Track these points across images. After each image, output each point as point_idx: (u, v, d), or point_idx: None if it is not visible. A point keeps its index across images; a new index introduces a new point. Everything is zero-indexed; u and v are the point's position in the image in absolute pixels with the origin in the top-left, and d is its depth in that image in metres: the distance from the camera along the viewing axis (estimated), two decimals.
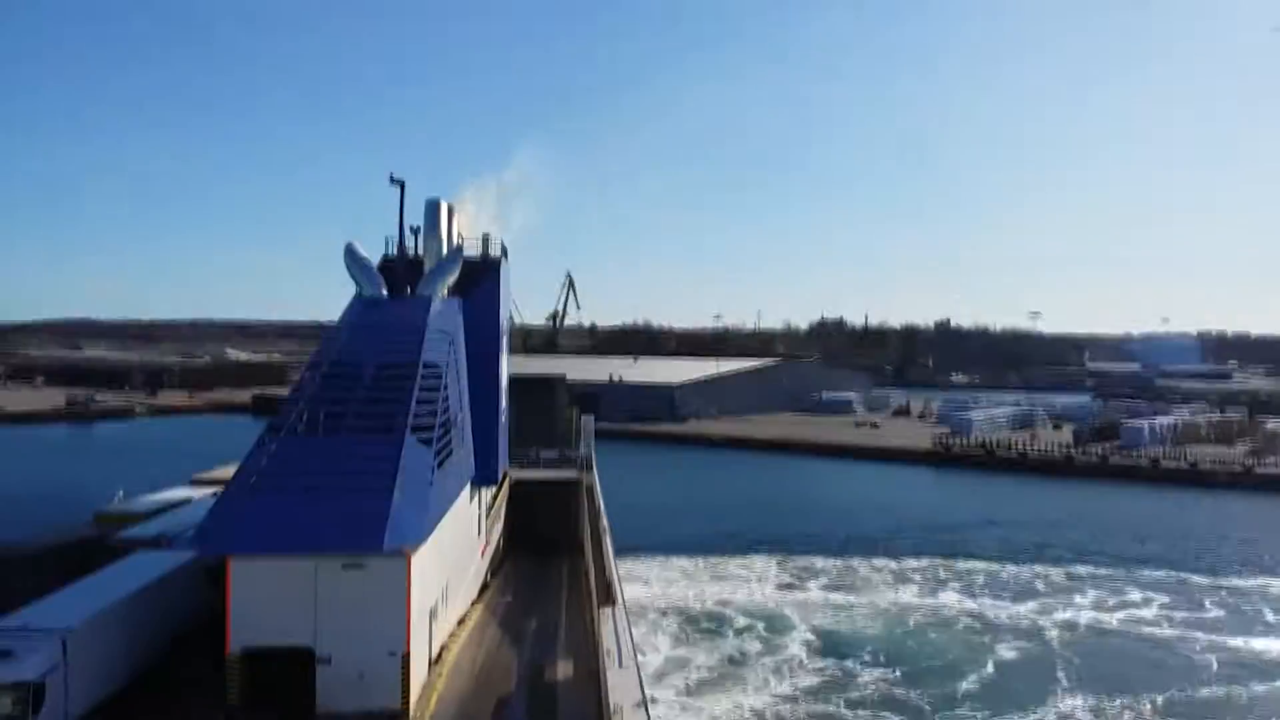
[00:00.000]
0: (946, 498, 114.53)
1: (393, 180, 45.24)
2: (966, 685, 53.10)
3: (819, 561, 79.57)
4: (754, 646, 58.64)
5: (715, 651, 57.79)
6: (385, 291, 41.06)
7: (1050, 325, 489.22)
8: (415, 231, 46.69)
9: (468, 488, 40.80)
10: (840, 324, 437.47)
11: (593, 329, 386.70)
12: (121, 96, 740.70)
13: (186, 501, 46.41)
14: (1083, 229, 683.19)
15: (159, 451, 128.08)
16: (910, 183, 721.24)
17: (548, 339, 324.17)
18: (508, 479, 55.72)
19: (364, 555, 28.34)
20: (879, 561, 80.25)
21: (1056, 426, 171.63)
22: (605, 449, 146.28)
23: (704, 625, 62.38)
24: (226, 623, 28.16)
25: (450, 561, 36.42)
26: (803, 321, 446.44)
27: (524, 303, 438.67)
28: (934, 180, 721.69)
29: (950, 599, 69.82)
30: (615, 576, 39.72)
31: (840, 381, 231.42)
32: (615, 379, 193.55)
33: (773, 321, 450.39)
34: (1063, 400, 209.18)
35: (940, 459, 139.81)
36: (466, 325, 43.62)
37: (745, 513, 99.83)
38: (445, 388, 35.78)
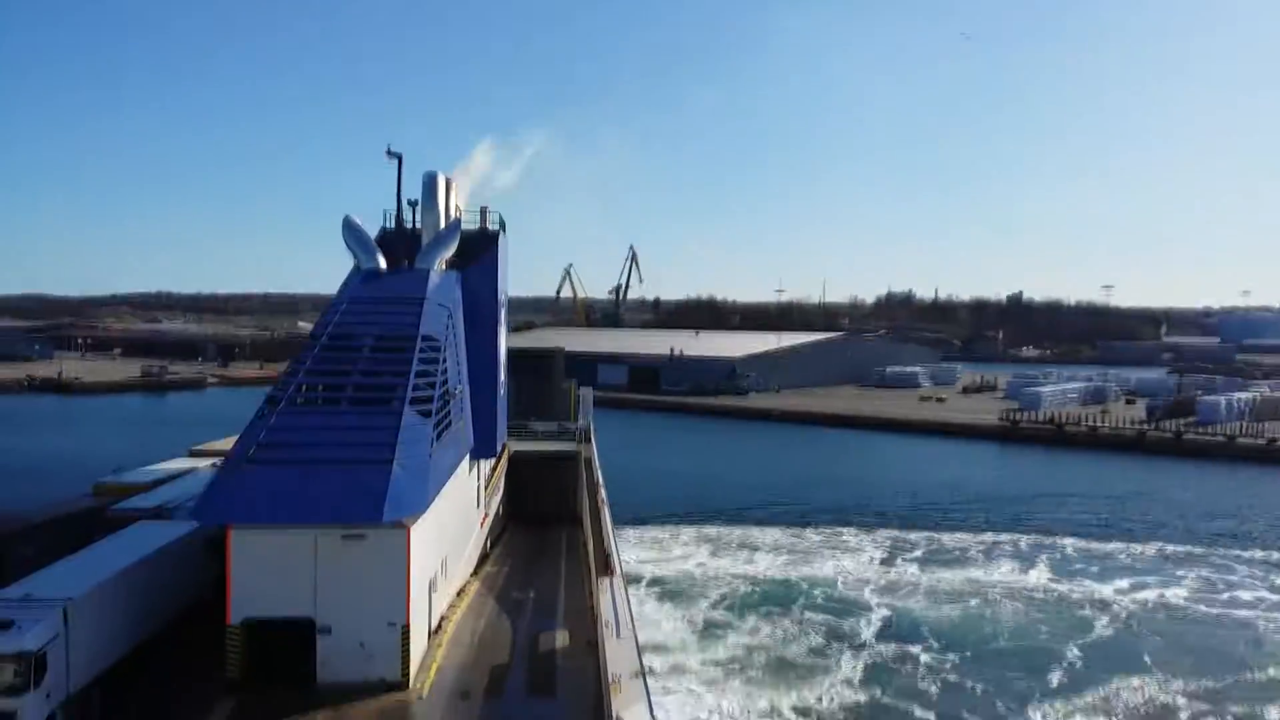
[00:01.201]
0: (1011, 474, 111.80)
1: (390, 153, 45.21)
2: (1051, 663, 51.23)
3: (882, 536, 78.34)
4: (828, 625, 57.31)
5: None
6: (383, 264, 40.86)
7: (1126, 299, 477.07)
8: (413, 205, 46.37)
9: (467, 460, 40.68)
10: (908, 298, 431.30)
11: (656, 303, 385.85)
12: (200, 72, 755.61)
13: (186, 473, 46.66)
14: (1161, 200, 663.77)
15: (224, 421, 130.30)
16: (983, 154, 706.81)
17: (610, 313, 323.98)
18: (507, 451, 55.60)
19: (364, 527, 28.37)
20: (944, 537, 78.44)
21: (1130, 402, 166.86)
22: (664, 423, 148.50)
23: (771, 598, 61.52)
24: (227, 593, 28.39)
25: (449, 533, 36.40)
26: (869, 295, 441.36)
27: (587, 276, 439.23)
28: (1008, 151, 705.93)
29: (1030, 577, 67.66)
30: (614, 547, 39.67)
31: (906, 356, 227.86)
32: (676, 353, 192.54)
33: (838, 295, 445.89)
34: (1137, 375, 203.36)
35: (1007, 435, 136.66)
36: (465, 298, 43.41)
37: (806, 488, 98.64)
38: (444, 360, 35.61)
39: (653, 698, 25.34)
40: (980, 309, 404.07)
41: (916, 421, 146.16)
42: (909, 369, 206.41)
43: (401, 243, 43.91)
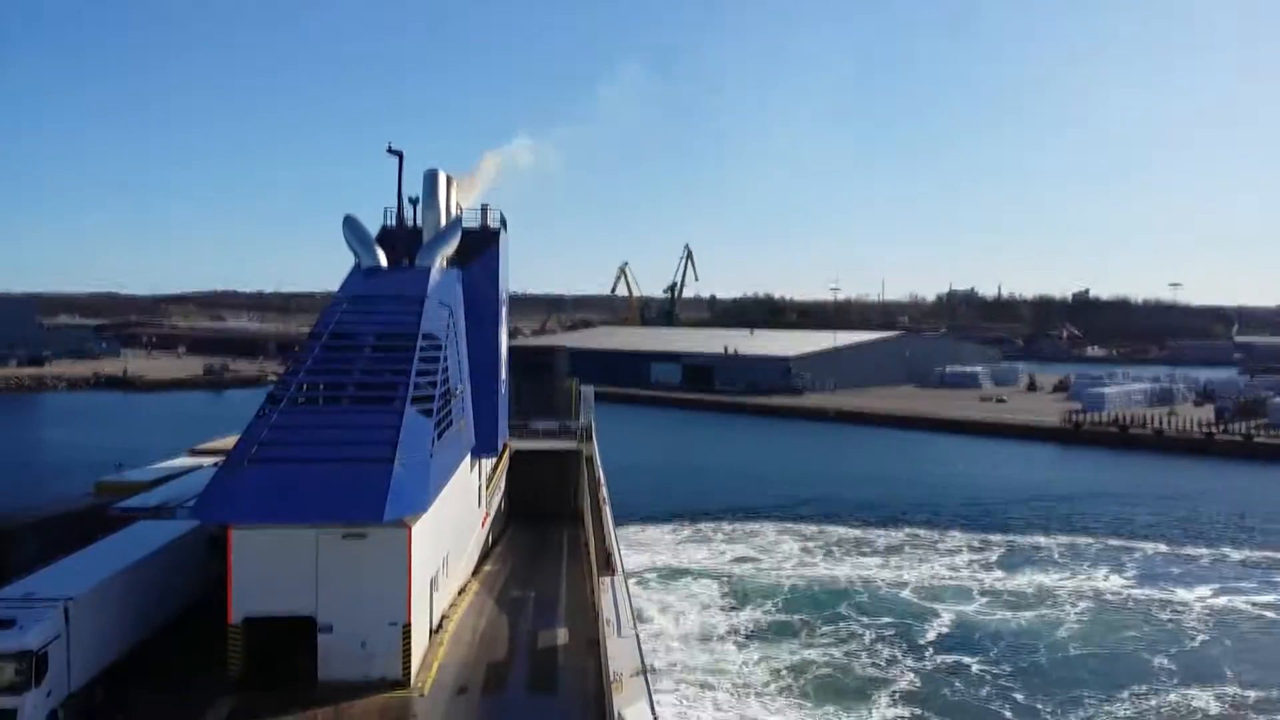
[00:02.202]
0: (1074, 477, 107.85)
1: (390, 150, 45.11)
2: (1127, 672, 49.38)
3: (941, 538, 76.71)
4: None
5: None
6: (384, 262, 40.70)
7: (1195, 296, 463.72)
8: (414, 202, 46.22)
9: (468, 458, 40.60)
10: (970, 295, 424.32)
11: (712, 301, 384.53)
12: (251, 65, 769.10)
13: (187, 471, 46.95)
14: (1232, 195, 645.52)
15: None
16: (1049, 148, 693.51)
17: (665, 311, 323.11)
18: (508, 449, 55.43)
19: (365, 525, 28.34)
20: (1004, 539, 76.33)
21: (1199, 403, 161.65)
22: (716, 422, 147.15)
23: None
24: (228, 591, 28.42)
25: (451, 532, 36.35)
26: (929, 293, 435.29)
27: (641, 274, 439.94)
28: (1074, 145, 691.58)
29: (1100, 581, 65.29)
30: (615, 546, 39.41)
31: (967, 355, 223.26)
32: (730, 351, 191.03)
33: (898, 293, 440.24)
34: (1207, 375, 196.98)
35: (1069, 437, 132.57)
36: (466, 296, 43.35)
37: (859, 489, 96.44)
38: (445, 358, 35.52)
39: (654, 696, 25.09)
40: (1044, 307, 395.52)
41: (975, 422, 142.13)
42: (969, 368, 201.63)
43: (402, 240, 43.90)
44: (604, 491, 48.70)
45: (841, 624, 55.97)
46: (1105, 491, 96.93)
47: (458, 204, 47.73)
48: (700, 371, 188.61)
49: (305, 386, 32.80)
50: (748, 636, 53.64)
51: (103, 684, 27.55)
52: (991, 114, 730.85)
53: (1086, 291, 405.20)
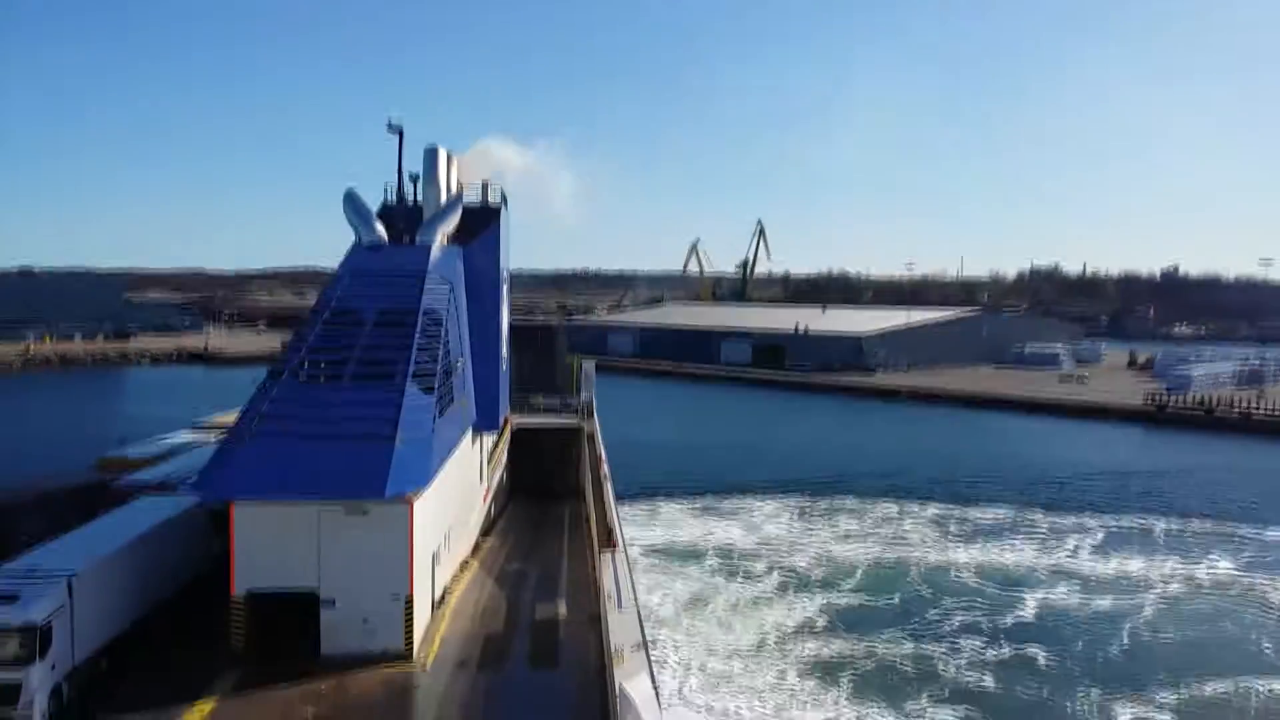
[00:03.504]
0: (1157, 459, 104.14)
1: (391, 127, 45.05)
2: (1211, 665, 47.56)
3: (1015, 521, 74.86)
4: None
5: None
6: (385, 238, 40.60)
7: None
8: (414, 179, 46.14)
9: (469, 434, 40.77)
10: (1053, 272, 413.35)
11: (785, 278, 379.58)
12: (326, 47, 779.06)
13: (189, 447, 46.94)
14: None
15: None
16: (1135, 121, 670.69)
17: (737, 289, 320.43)
18: (509, 425, 55.78)
19: (367, 501, 28.53)
20: (1074, 522, 74.57)
21: None
22: (784, 401, 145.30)
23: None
24: (230, 566, 28.63)
25: (452, 507, 36.63)
26: (1010, 269, 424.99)
27: (714, 251, 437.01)
28: (1161, 118, 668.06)
29: (1192, 567, 63.09)
30: (616, 521, 39.67)
31: (1048, 333, 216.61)
32: (801, 329, 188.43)
33: (977, 269, 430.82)
34: None
35: (1153, 418, 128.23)
36: (467, 273, 43.49)
37: (932, 468, 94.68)
38: (446, 335, 35.72)
39: (654, 669, 25.46)
40: (1130, 284, 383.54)
41: (1053, 403, 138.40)
42: (1049, 347, 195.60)
43: (402, 218, 43.74)
44: (605, 467, 49.01)
45: (918, 610, 54.92)
46: (1189, 475, 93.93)
47: (458, 181, 47.56)
48: (770, 350, 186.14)
49: (307, 363, 32.93)
50: (814, 624, 52.82)
51: (106, 657, 27.76)
52: (1072, 84, 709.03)
53: (1175, 268, 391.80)
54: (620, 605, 29.04)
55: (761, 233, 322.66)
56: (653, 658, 27.40)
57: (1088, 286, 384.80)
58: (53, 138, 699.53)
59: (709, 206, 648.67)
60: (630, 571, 32.97)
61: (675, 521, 73.76)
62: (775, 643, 49.60)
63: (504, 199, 49.15)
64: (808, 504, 79.35)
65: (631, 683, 23.82)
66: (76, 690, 26.09)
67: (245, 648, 28.60)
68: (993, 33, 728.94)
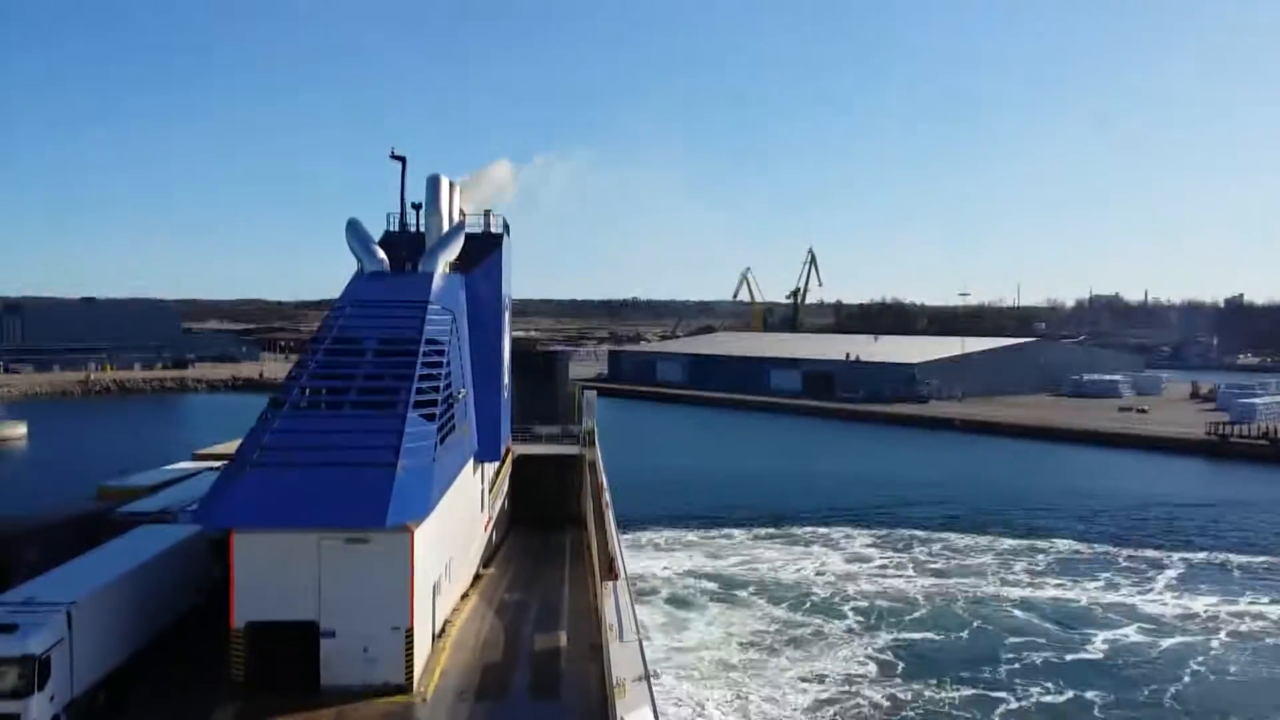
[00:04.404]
0: (1221, 494, 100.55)
1: (394, 156, 45.35)
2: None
3: (1073, 558, 73.26)
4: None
5: None
6: (387, 267, 40.67)
7: None
8: (417, 208, 46.22)
9: (470, 463, 40.73)
10: (1113, 301, 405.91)
11: (837, 306, 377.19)
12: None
13: (189, 476, 46.80)
14: None
15: None
16: (1201, 146, 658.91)
17: (788, 317, 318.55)
18: (510, 454, 55.65)
19: (368, 530, 28.39)
20: (1132, 556, 73.03)
21: None
22: (832, 431, 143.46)
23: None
24: (230, 596, 28.41)
25: (453, 536, 36.49)
26: (1069, 298, 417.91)
27: (764, 279, 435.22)
28: (1229, 143, 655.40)
29: (1261, 607, 61.15)
30: (618, 551, 39.40)
31: (1106, 363, 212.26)
32: (852, 358, 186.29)
33: (1034, 298, 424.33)
34: None
35: (1215, 450, 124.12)
36: (469, 301, 43.58)
37: (982, 501, 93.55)
38: (448, 363, 35.62)
39: (657, 701, 25.10)
40: (1193, 312, 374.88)
41: (1111, 434, 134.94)
42: (1109, 377, 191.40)
43: (405, 245, 43.82)
44: (606, 496, 48.86)
45: (978, 648, 53.79)
46: (1253, 509, 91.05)
47: (460, 209, 47.62)
48: (820, 378, 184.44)
49: (308, 391, 32.87)
50: (869, 662, 51.86)
51: (105, 689, 27.46)
52: (1134, 108, 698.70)
53: (1240, 297, 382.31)
54: (622, 636, 28.85)
55: (813, 260, 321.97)
56: (655, 690, 26.85)
57: (1149, 315, 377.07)
58: (118, 172, 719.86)
59: (760, 234, 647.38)
60: (632, 602, 32.77)
61: (727, 549, 73.64)
62: (831, 682, 48.54)
63: (506, 227, 49.35)
64: (859, 535, 78.85)
65: (633, 715, 23.56)
66: None
67: (245, 678, 28.36)
68: (1049, 55, 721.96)
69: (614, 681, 25.61)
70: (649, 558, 70.68)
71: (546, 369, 73.75)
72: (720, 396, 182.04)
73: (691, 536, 77.59)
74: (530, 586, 42.93)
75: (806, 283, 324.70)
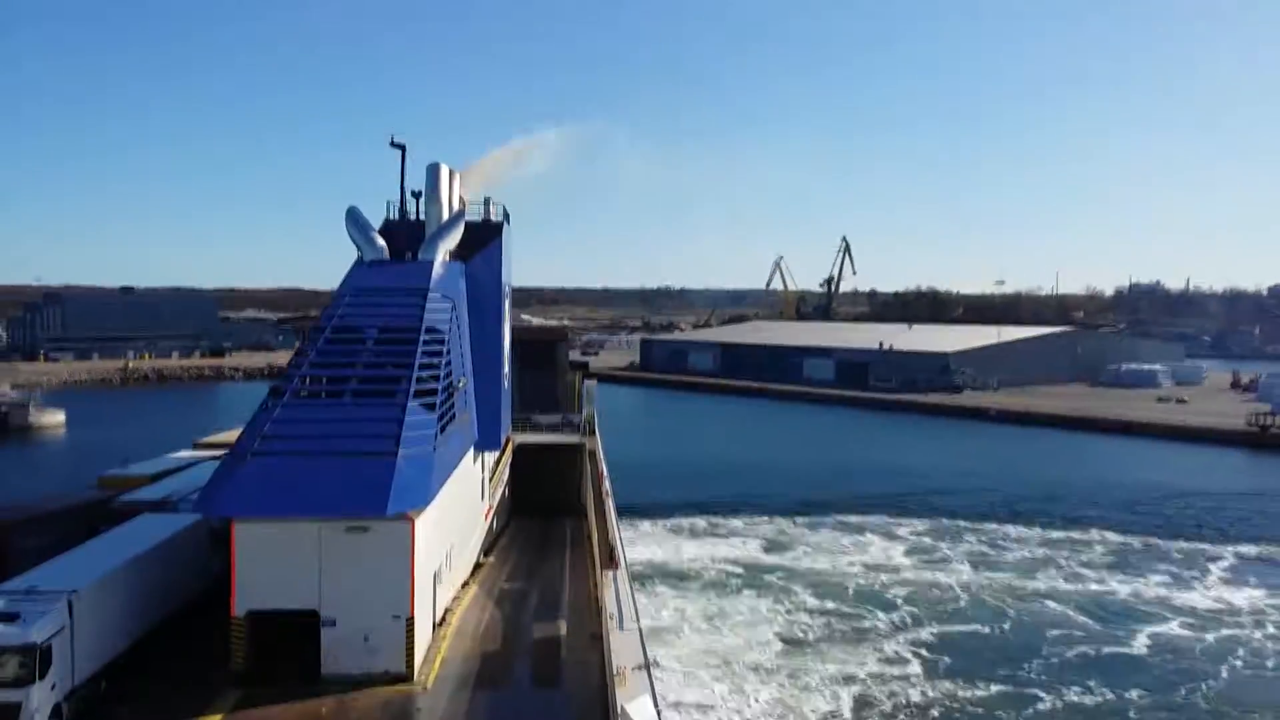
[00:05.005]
0: (1262, 485, 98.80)
1: (393, 144, 45.27)
2: None
3: (1117, 551, 71.48)
4: None
5: None
6: (386, 255, 40.59)
7: None
8: (416, 196, 46.05)
9: (471, 452, 40.71)
10: (1153, 289, 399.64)
11: (872, 295, 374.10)
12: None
13: (190, 465, 46.82)
14: None
15: None
16: (1242, 134, 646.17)
17: (822, 305, 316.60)
18: (510, 443, 55.54)
19: (368, 519, 28.39)
20: (1176, 547, 71.70)
21: None
22: (868, 420, 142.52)
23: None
24: (231, 585, 28.41)
25: (454, 525, 36.54)
26: (1108, 286, 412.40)
27: (797, 267, 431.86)
28: (1266, 129, 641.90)
29: None
30: (618, 539, 39.46)
31: (1145, 352, 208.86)
32: (886, 347, 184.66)
33: (1073, 286, 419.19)
34: None
35: (1256, 441, 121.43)
36: (468, 289, 43.46)
37: (1015, 491, 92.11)
38: (448, 352, 35.57)
39: (656, 689, 25.14)
40: (1235, 301, 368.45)
41: (1149, 424, 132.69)
42: (1147, 367, 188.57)
43: (405, 234, 43.69)
44: (607, 485, 48.75)
45: (1018, 642, 52.69)
46: None
47: (460, 197, 47.39)
48: (854, 368, 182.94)
49: (309, 380, 32.79)
50: (906, 657, 50.79)
51: (106, 678, 27.56)
52: (1174, 94, 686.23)
53: None
54: (622, 625, 28.93)
55: (846, 249, 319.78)
56: (655, 679, 27.05)
57: (1190, 304, 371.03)
58: (160, 163, 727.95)
59: (793, 222, 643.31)
60: (632, 590, 32.77)
61: (760, 539, 73.16)
62: (868, 675, 47.65)
63: (506, 215, 49.25)
64: (894, 526, 77.77)
65: (633, 704, 23.58)
66: (76, 711, 25.92)
67: (246, 667, 28.41)
68: (1093, 41, 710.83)
69: (614, 670, 25.68)
70: (682, 545, 70.42)
71: (547, 357, 73.59)
72: (752, 385, 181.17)
73: (734, 523, 77.16)
74: (530, 575, 43.07)
75: (840, 271, 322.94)
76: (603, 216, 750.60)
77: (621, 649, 26.87)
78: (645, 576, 60.56)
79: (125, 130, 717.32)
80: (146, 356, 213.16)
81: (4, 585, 27.16)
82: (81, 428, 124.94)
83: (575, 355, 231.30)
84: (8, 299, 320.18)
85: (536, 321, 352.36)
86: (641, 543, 69.80)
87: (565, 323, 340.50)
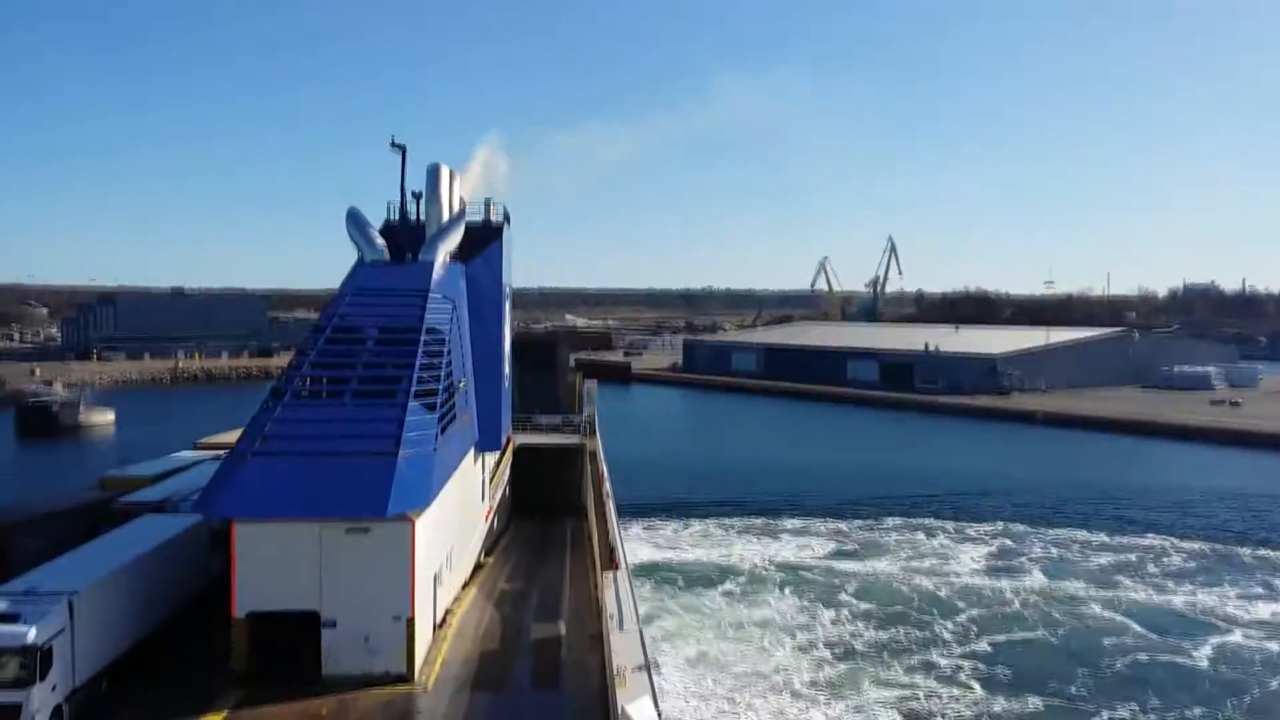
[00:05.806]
0: None
1: (394, 145, 45.25)
2: None
3: (1172, 560, 69.52)
4: None
5: None
6: (387, 256, 40.58)
7: None
8: (417, 197, 46.07)
9: (471, 453, 40.76)
10: (1208, 290, 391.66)
11: (919, 296, 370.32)
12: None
13: (190, 466, 46.84)
14: None
15: None
16: None
17: (867, 307, 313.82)
18: (511, 444, 55.56)
19: (368, 520, 28.45)
20: (1231, 554, 70.19)
21: None
22: (912, 423, 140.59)
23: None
24: (231, 586, 28.48)
25: (454, 526, 36.55)
26: (1161, 287, 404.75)
27: (843, 269, 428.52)
28: None
29: None
30: (619, 540, 39.40)
31: (1199, 354, 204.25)
32: (931, 348, 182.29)
33: (1125, 287, 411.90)
34: None
35: None
36: (469, 290, 43.54)
37: (1068, 495, 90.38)
38: (448, 353, 35.63)
39: (657, 691, 25.07)
40: None
41: (1202, 428, 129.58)
42: (1201, 369, 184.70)
43: (405, 235, 43.78)
44: (607, 486, 48.76)
45: (1066, 647, 51.84)
46: None
47: (461, 198, 47.34)
48: (899, 370, 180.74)
49: (309, 380, 32.80)
50: (961, 670, 49.38)
51: (107, 679, 27.54)
52: (1230, 92, 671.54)
53: None
54: (622, 626, 28.91)
55: (893, 250, 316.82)
56: (655, 680, 26.95)
57: (1246, 305, 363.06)
58: (212, 164, 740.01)
59: (838, 222, 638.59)
60: (633, 591, 32.72)
61: (805, 543, 72.35)
62: (918, 684, 46.67)
63: (506, 216, 49.22)
64: (939, 531, 76.55)
65: (634, 705, 23.56)
66: (77, 712, 25.92)
67: (246, 668, 28.46)
68: (1144, 39, 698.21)
69: (614, 671, 25.65)
70: (723, 546, 69.96)
71: (547, 355, 73.58)
72: (795, 388, 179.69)
73: (786, 523, 76.72)
74: (531, 576, 43.12)
75: (886, 272, 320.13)
76: (646, 218, 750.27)
77: (622, 650, 26.88)
78: (696, 576, 61.13)
79: (183, 133, 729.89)
80: (196, 356, 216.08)
81: (4, 586, 27.19)
82: (130, 426, 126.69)
83: (618, 356, 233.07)
84: (63, 300, 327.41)
85: (581, 323, 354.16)
86: (694, 541, 70.35)
87: (609, 324, 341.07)
